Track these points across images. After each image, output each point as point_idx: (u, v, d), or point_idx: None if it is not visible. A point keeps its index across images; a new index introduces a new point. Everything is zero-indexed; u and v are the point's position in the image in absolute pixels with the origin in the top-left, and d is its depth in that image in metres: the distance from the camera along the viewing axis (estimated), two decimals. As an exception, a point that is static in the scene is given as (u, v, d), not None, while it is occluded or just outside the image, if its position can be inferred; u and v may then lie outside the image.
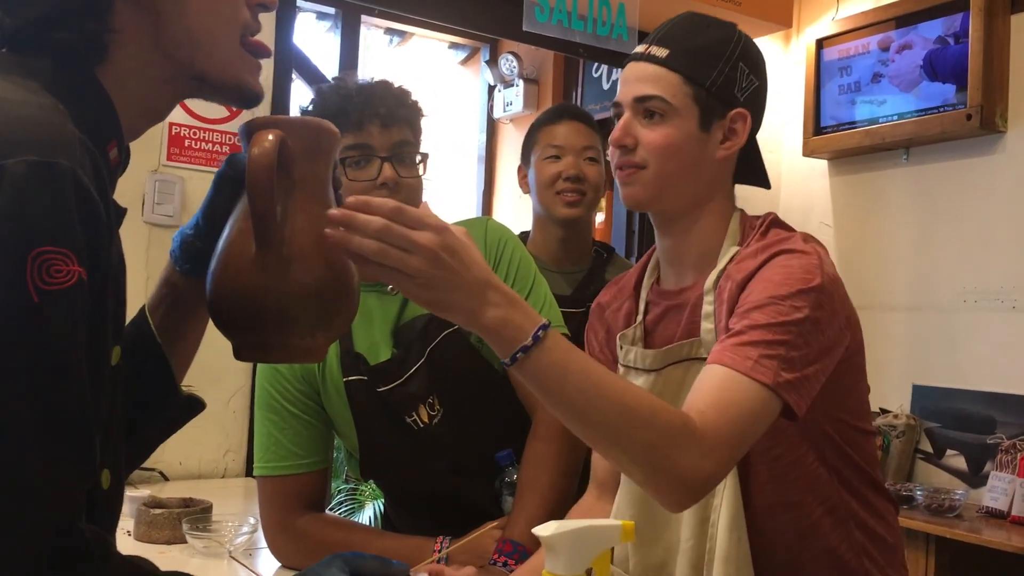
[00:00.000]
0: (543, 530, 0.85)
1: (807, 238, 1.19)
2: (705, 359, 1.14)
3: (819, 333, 1.08)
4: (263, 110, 2.60)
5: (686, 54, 1.21)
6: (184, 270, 1.05)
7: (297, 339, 0.93)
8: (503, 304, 0.95)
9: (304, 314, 0.92)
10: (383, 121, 1.56)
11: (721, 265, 1.20)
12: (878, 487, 1.24)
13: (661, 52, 1.22)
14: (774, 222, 1.24)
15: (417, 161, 1.61)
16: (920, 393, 3.00)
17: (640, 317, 1.30)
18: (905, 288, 3.10)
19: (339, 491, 4.63)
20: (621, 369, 1.29)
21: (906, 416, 2.95)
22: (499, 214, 4.30)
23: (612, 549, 0.87)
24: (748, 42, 1.27)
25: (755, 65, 1.26)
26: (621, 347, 1.28)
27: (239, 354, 0.96)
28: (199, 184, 2.52)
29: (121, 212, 0.93)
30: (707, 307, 1.17)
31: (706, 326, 1.17)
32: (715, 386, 1.03)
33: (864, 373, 1.23)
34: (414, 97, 1.65)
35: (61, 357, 0.77)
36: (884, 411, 3.02)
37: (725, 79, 1.22)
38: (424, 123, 1.67)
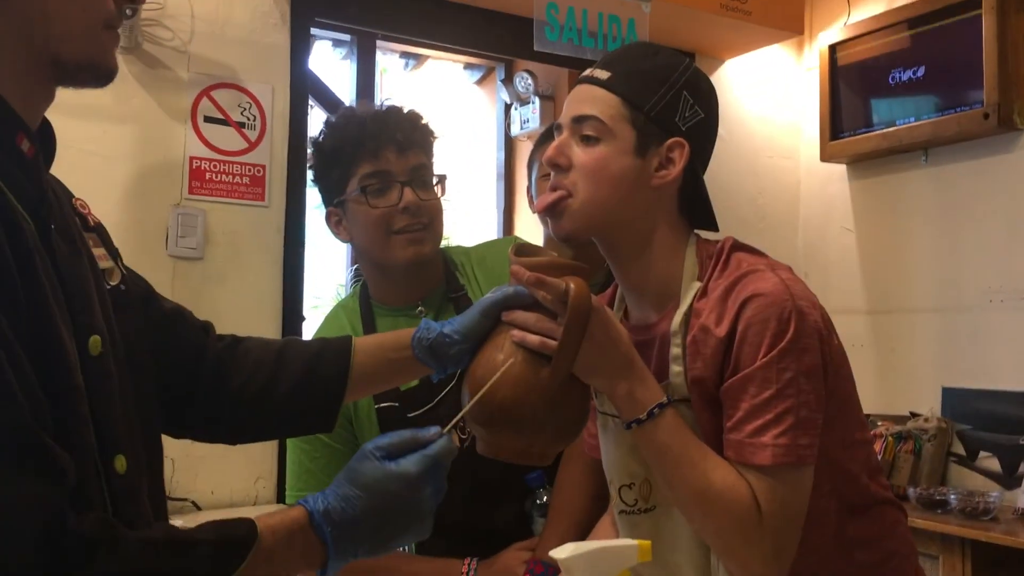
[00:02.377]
0: (559, 552, 0.86)
1: (773, 265, 1.16)
2: (679, 401, 1.15)
3: (814, 377, 1.09)
4: (280, 141, 2.65)
5: (628, 77, 1.19)
6: (419, 357, 1.20)
7: (553, 450, 1.14)
8: (634, 379, 1.12)
9: (568, 433, 1.12)
10: (399, 147, 1.59)
11: (685, 304, 1.17)
12: (884, 500, 1.23)
13: (603, 74, 1.21)
14: (734, 247, 1.21)
15: (435, 183, 1.64)
16: (950, 395, 2.97)
17: None
18: (930, 289, 3.08)
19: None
20: (599, 417, 1.28)
21: (937, 419, 2.92)
22: (520, 231, 4.31)
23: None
24: (698, 73, 1.24)
25: (702, 97, 1.22)
26: (596, 394, 1.26)
27: (494, 451, 1.13)
28: (221, 216, 2.56)
29: (48, 200, 0.93)
30: (675, 349, 1.16)
31: (675, 369, 1.16)
32: (754, 485, 1.09)
33: (852, 379, 1.21)
34: (425, 120, 1.67)
35: None
36: (915, 415, 3.00)
37: (666, 105, 1.19)
38: (439, 144, 1.70)
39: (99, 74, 0.98)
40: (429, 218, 1.60)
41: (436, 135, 1.68)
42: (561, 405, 1.08)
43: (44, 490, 0.78)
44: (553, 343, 1.07)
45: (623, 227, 1.21)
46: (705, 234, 1.28)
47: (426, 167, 1.63)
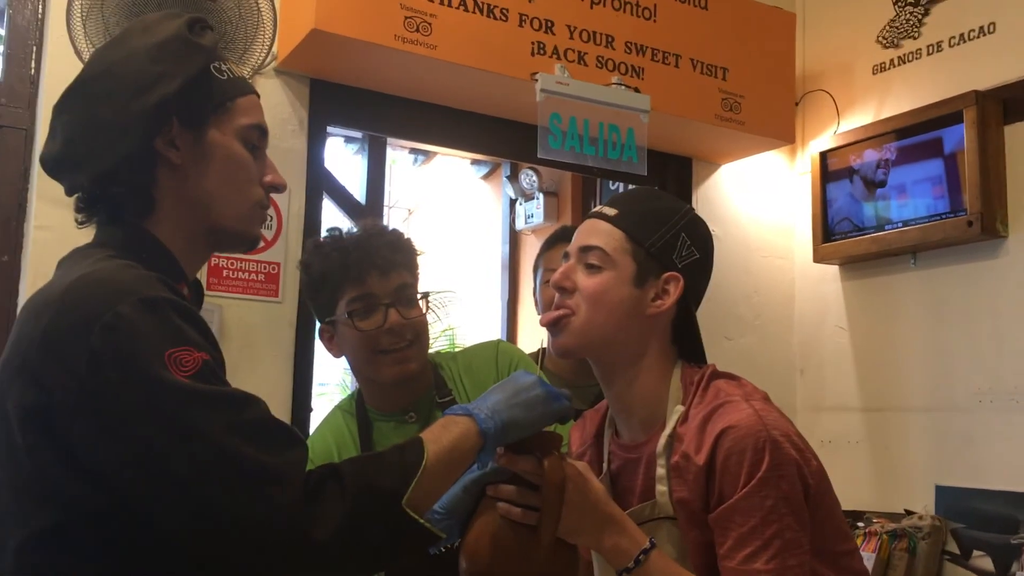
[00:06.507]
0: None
1: (748, 395, 1.25)
2: (664, 519, 1.24)
3: (794, 500, 1.17)
4: (295, 239, 2.77)
5: (633, 216, 1.33)
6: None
7: None
8: (616, 533, 1.21)
9: None
10: (381, 270, 1.70)
11: (670, 427, 1.27)
12: None
13: (611, 211, 1.35)
14: (713, 375, 1.31)
15: (419, 298, 1.75)
16: (943, 493, 3.02)
17: (606, 467, 1.39)
18: (922, 389, 3.15)
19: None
20: None
21: (931, 517, 2.96)
22: (523, 323, 4.41)
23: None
24: (697, 220, 1.37)
25: (699, 240, 1.35)
26: None
27: None
28: (235, 312, 2.66)
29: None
30: (660, 470, 1.26)
31: (660, 488, 1.26)
32: None
33: (833, 494, 1.28)
34: (407, 238, 1.79)
35: (230, 395, 1.04)
36: (909, 512, 3.04)
37: (665, 243, 1.31)
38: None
39: (246, 242, 1.25)
40: (414, 334, 1.71)
41: (420, 251, 1.80)
42: (552, 567, 1.17)
43: (299, 452, 1.06)
44: (536, 514, 1.16)
45: (617, 349, 1.31)
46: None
47: (409, 285, 1.74)
